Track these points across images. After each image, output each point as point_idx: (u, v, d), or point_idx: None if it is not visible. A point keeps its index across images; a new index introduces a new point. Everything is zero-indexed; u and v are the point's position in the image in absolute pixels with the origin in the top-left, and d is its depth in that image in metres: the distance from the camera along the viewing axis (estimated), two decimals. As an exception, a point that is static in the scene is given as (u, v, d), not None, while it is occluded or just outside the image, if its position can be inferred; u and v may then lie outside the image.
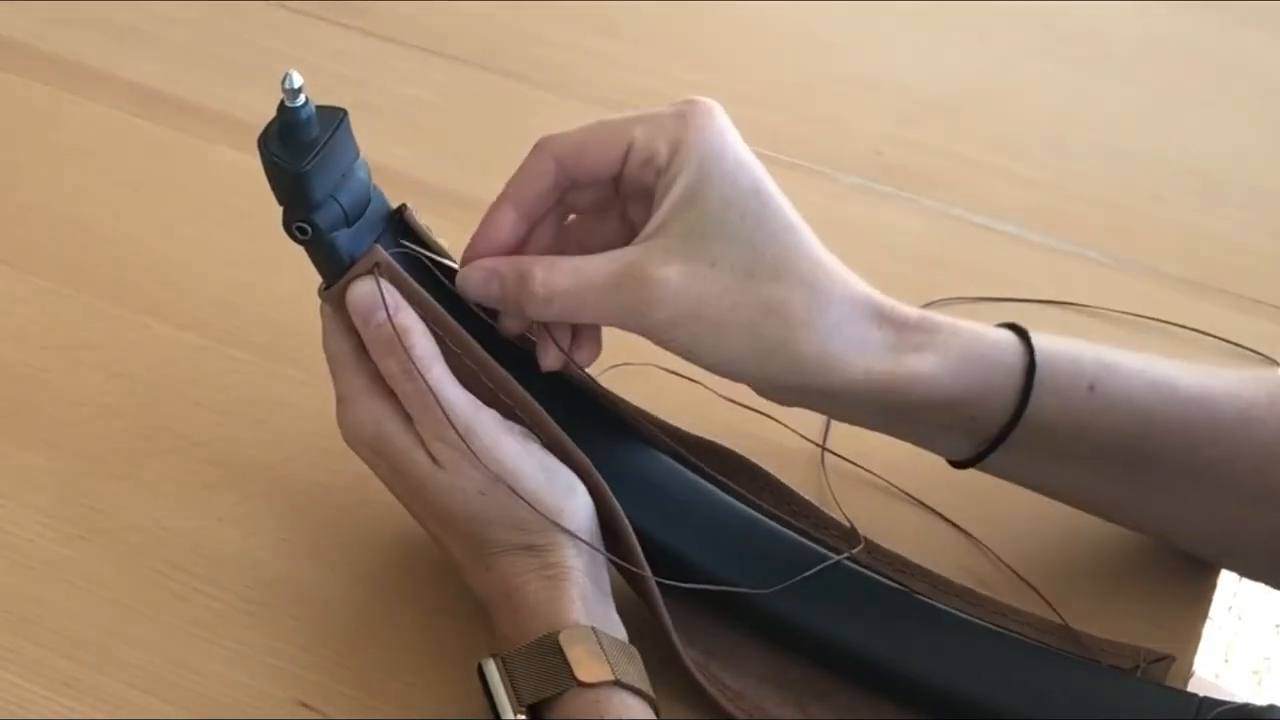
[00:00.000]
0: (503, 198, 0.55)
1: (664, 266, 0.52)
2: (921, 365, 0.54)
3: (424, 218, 0.56)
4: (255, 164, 0.76)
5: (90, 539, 0.61)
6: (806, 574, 0.56)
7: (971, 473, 0.58)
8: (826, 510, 0.63)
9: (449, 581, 0.57)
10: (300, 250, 0.55)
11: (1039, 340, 0.55)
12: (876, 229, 0.79)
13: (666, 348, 0.54)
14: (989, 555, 0.63)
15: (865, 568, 0.59)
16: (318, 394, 0.56)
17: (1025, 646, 0.57)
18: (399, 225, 0.56)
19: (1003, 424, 0.55)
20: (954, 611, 0.58)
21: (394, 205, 0.56)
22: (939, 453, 0.59)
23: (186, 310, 0.71)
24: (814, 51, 0.94)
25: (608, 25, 0.91)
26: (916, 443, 0.58)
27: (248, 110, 0.80)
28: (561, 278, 0.53)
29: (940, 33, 0.97)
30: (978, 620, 0.58)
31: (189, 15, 0.86)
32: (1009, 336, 0.56)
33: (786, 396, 0.56)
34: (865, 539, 0.61)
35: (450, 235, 0.56)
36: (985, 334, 0.56)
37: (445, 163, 0.80)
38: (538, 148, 0.54)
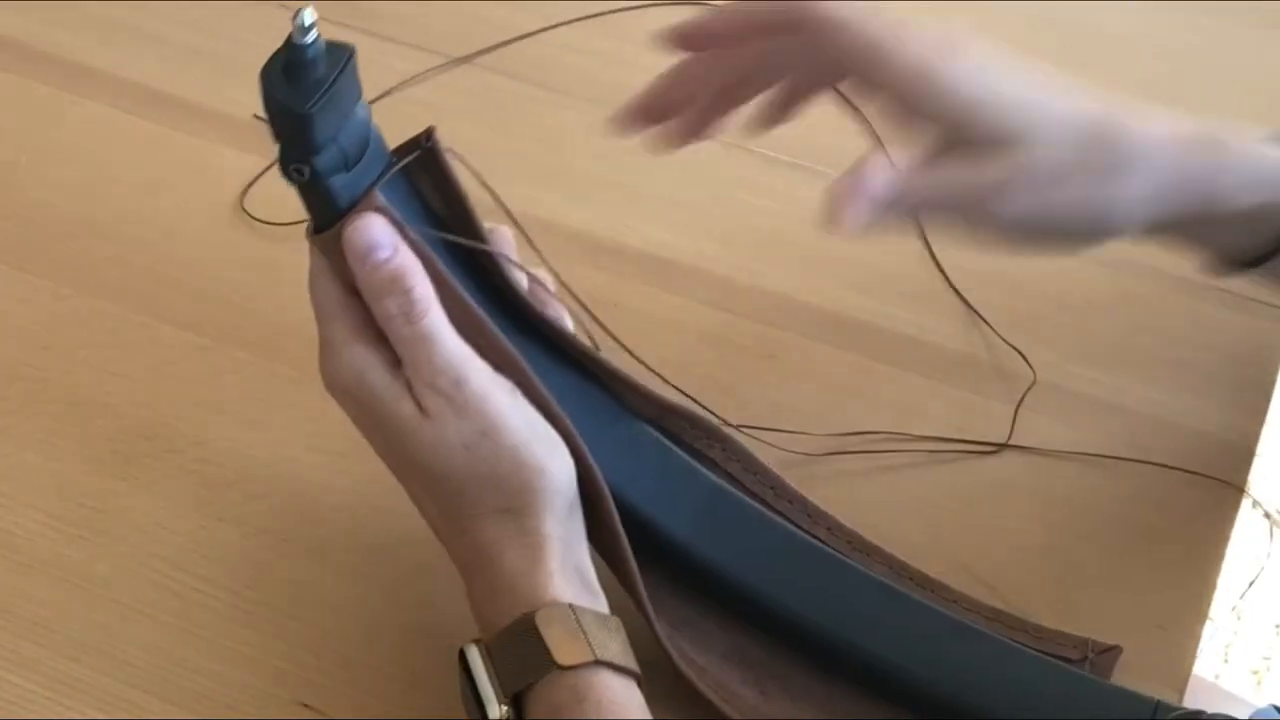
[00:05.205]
0: None
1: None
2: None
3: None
4: (256, 164, 0.77)
5: (90, 539, 0.61)
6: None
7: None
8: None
9: (449, 582, 0.57)
10: (302, 249, 0.54)
11: None
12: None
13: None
14: (970, 549, 0.63)
15: (826, 545, 0.59)
16: (317, 394, 0.56)
17: (985, 636, 0.57)
18: (427, 157, 0.54)
19: None
20: (910, 594, 0.58)
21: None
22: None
23: (186, 310, 0.71)
24: (814, 51, 0.94)
25: (608, 25, 0.91)
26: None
27: (248, 110, 0.80)
28: None
29: (940, 33, 0.97)
30: (932, 604, 0.58)
31: (189, 15, 0.86)
32: None
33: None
34: (836, 520, 0.61)
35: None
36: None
37: (445, 163, 0.79)
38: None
